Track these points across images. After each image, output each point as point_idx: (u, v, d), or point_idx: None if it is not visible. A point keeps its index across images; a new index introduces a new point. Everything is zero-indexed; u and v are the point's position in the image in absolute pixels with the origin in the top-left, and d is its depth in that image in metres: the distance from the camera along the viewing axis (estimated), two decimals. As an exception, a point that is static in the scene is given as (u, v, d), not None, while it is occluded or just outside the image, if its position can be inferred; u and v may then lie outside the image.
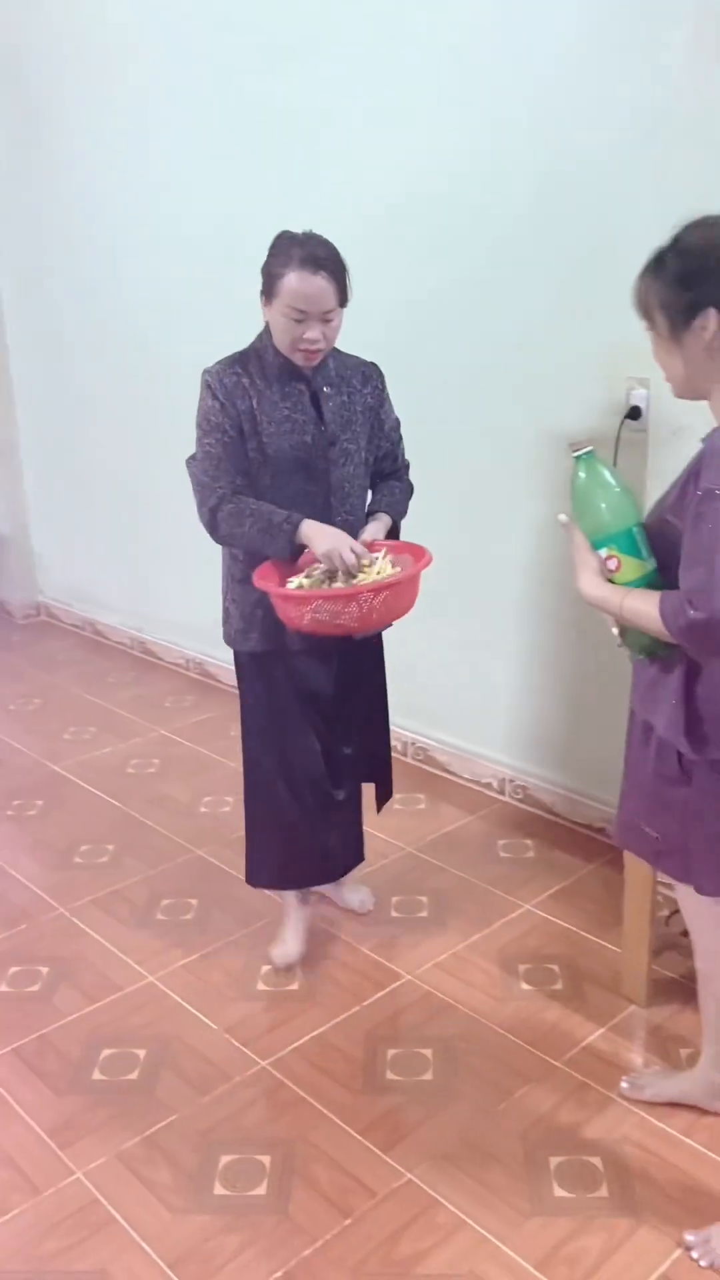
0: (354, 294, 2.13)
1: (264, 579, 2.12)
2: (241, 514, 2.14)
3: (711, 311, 1.47)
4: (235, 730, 3.79)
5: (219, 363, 2.22)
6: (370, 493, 2.38)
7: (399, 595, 2.05)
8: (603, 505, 1.59)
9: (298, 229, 2.13)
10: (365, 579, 2.08)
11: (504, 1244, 1.79)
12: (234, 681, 4.14)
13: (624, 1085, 2.11)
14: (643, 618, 1.52)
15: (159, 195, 3.86)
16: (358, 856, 2.64)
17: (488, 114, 2.77)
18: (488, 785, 3.28)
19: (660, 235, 1.54)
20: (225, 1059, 2.23)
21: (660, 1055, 2.21)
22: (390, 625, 2.18)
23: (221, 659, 4.19)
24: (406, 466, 2.46)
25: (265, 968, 2.52)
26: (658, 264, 1.51)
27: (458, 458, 3.04)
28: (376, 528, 2.28)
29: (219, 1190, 1.92)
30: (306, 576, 2.14)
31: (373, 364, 2.34)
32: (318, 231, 2.13)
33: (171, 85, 3.67)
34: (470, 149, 2.83)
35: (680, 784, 1.61)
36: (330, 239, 2.12)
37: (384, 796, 2.60)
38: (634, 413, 2.58)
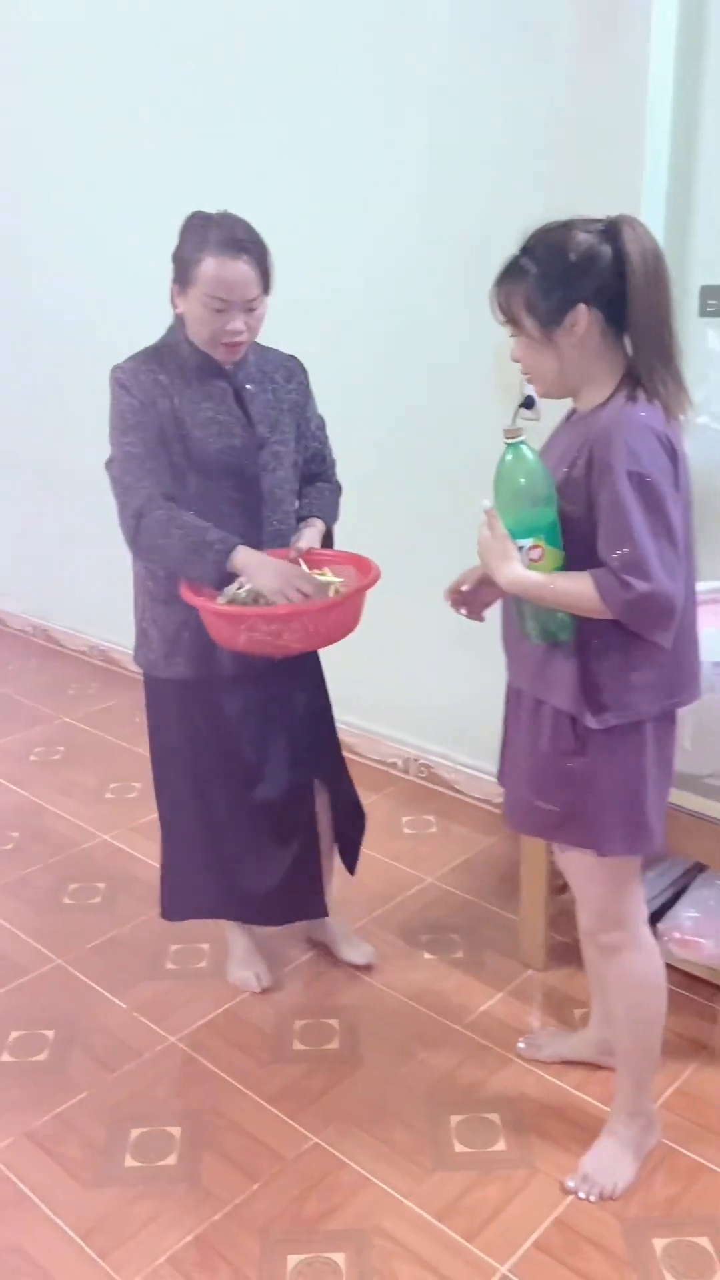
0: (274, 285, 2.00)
1: (194, 593, 1.96)
2: (169, 524, 1.95)
3: (581, 307, 1.54)
4: (140, 716, 3.81)
5: (130, 359, 2.04)
6: (299, 495, 2.23)
7: (345, 613, 1.95)
8: (533, 495, 1.60)
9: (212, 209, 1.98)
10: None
11: (407, 1199, 1.87)
12: (138, 669, 4.14)
13: (521, 1046, 2.20)
14: (575, 597, 1.57)
15: (59, 177, 3.83)
16: (315, 909, 2.33)
17: (379, 116, 2.82)
18: (392, 765, 3.36)
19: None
20: (135, 1036, 2.27)
21: (556, 1016, 2.31)
22: (334, 643, 2.02)
23: (126, 646, 4.18)
24: (334, 465, 2.32)
25: (175, 947, 2.55)
26: (516, 270, 1.58)
27: (363, 452, 3.09)
28: (312, 535, 2.15)
29: (130, 1162, 1.95)
30: (239, 588, 1.96)
31: (294, 358, 2.19)
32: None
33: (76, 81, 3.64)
34: (361, 151, 2.89)
35: (577, 754, 1.68)
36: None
37: (358, 825, 2.42)
38: (528, 402, 2.67)
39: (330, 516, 2.25)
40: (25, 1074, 2.17)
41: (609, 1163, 1.89)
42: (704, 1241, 1.77)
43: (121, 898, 2.76)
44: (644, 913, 1.84)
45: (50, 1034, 2.28)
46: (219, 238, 1.90)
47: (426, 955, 2.51)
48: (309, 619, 1.88)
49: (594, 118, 2.40)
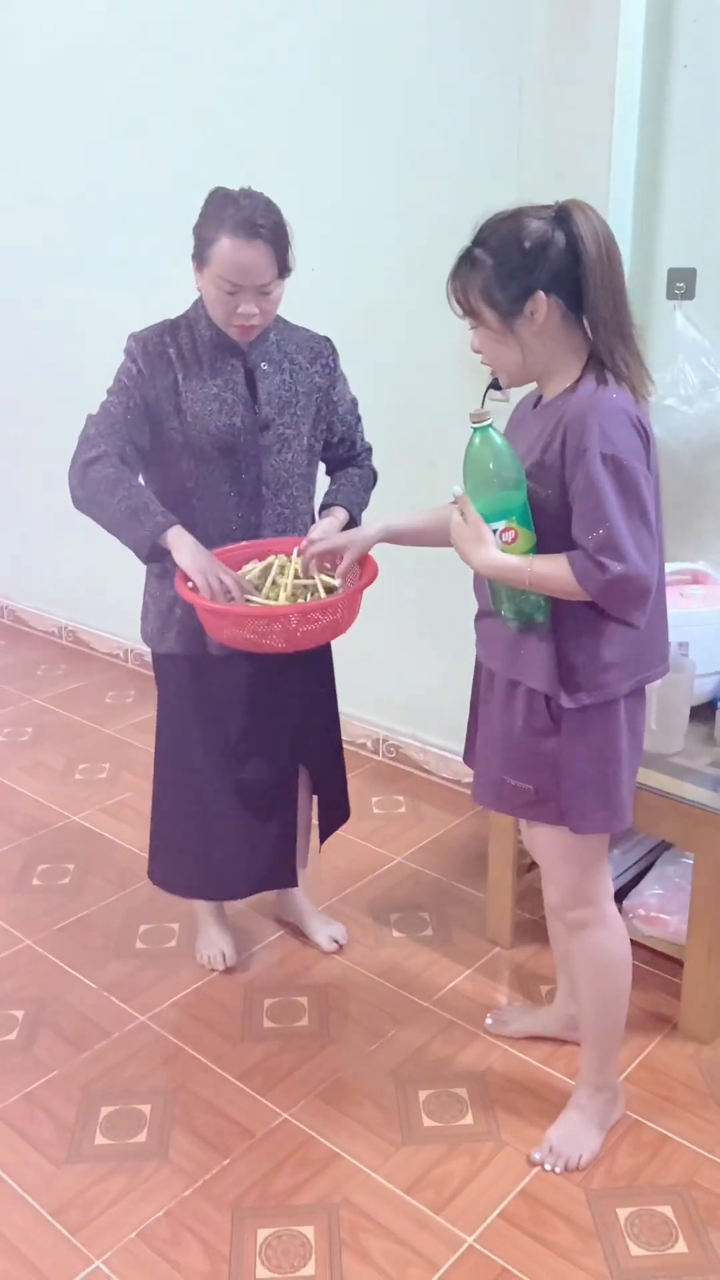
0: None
1: (185, 582, 1.92)
2: (117, 484, 1.93)
3: (539, 295, 1.55)
4: (109, 697, 3.82)
5: (148, 328, 2.02)
6: (330, 481, 2.21)
7: (334, 614, 1.86)
8: (503, 478, 1.60)
9: (235, 186, 1.93)
10: (281, 593, 1.91)
11: (376, 1173, 1.89)
12: (108, 650, 4.12)
13: (489, 1022, 2.23)
14: (553, 580, 1.58)
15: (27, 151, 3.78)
16: (284, 878, 2.33)
17: (350, 99, 2.81)
18: (361, 745, 3.38)
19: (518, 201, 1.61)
20: (104, 1016, 2.27)
21: (522, 992, 2.34)
22: (325, 644, 1.98)
23: (95, 627, 4.17)
24: (368, 451, 2.27)
25: (144, 927, 2.56)
26: (471, 262, 1.58)
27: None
28: (328, 524, 2.08)
29: (100, 1140, 1.96)
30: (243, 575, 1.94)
31: (325, 339, 2.14)
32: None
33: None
34: (327, 133, 2.88)
35: (551, 734, 1.70)
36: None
37: (335, 820, 2.41)
38: (496, 383, 2.67)
39: (355, 504, 2.18)
40: (-6, 1054, 2.18)
41: (574, 1135, 1.92)
42: (667, 1210, 1.81)
43: (90, 878, 2.76)
44: (610, 890, 1.86)
45: (19, 1014, 2.28)
46: (236, 219, 1.85)
47: (395, 933, 2.53)
48: (291, 620, 1.83)
49: (562, 100, 2.40)
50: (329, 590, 1.96)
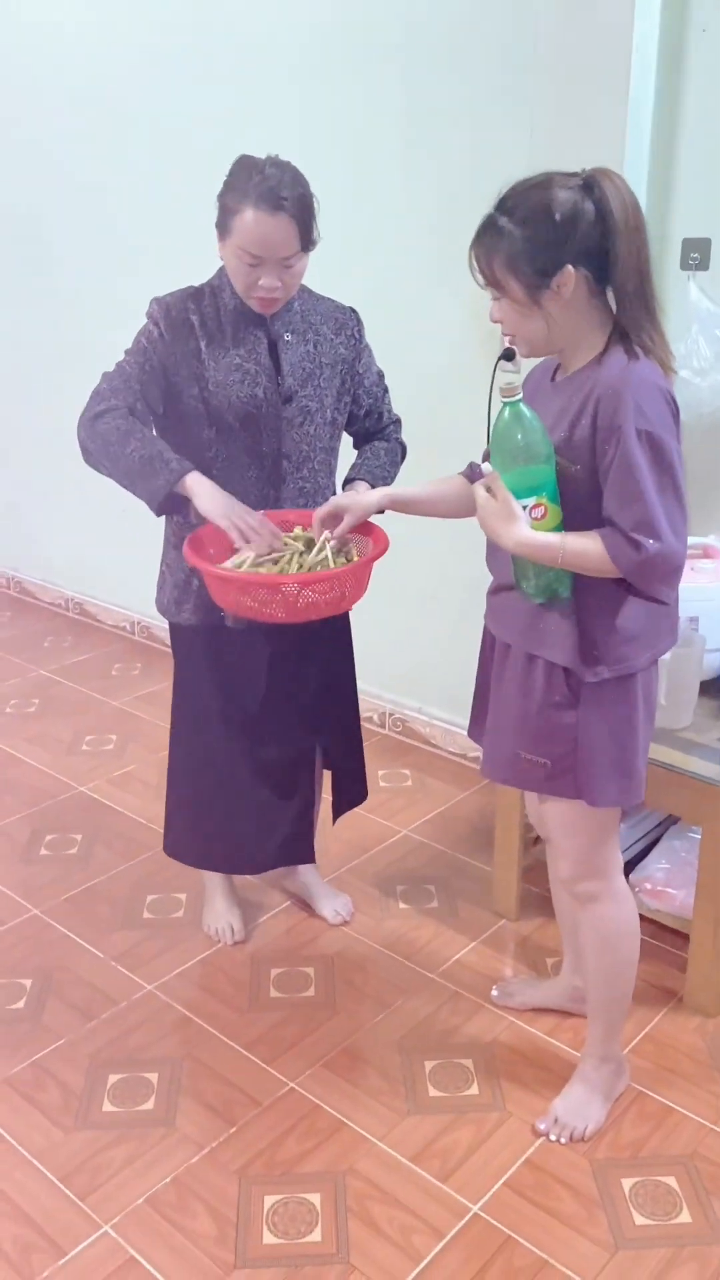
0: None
1: (195, 551, 1.88)
2: (129, 435, 1.89)
3: (568, 269, 1.51)
4: (116, 669, 3.82)
5: (172, 294, 1.98)
6: (333, 456, 2.15)
7: (337, 587, 1.82)
8: (533, 453, 1.57)
9: (262, 153, 1.87)
10: (290, 561, 1.88)
11: (381, 1141, 1.90)
12: (115, 622, 4.12)
13: (494, 993, 2.24)
14: (586, 558, 1.56)
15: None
16: (302, 854, 2.34)
17: (357, 60, 2.77)
18: (368, 719, 3.37)
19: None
20: (112, 985, 2.28)
21: (528, 965, 2.35)
22: (329, 617, 1.90)
23: (101, 599, 4.17)
24: (397, 423, 2.23)
25: (152, 897, 2.57)
26: (496, 232, 1.53)
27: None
28: (338, 497, 1.98)
29: (108, 1107, 1.98)
30: (243, 559, 1.89)
31: (350, 309, 2.11)
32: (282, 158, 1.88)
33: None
34: (338, 97, 2.84)
35: (569, 707, 1.69)
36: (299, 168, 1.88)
37: (353, 799, 2.40)
38: (508, 354, 2.64)
39: (380, 478, 2.13)
40: (3, 1022, 2.18)
41: (579, 1106, 1.93)
42: (671, 1181, 1.82)
43: (98, 849, 2.77)
44: (620, 862, 1.86)
45: (27, 983, 2.29)
46: (260, 189, 1.80)
47: (401, 905, 2.54)
48: (287, 589, 1.78)
49: (576, 65, 2.36)
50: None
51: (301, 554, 1.92)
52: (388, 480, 2.16)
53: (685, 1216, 1.76)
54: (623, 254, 1.51)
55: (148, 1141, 1.91)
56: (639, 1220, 1.75)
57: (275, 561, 1.90)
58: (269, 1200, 1.79)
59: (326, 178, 2.91)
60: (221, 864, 2.36)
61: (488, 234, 1.55)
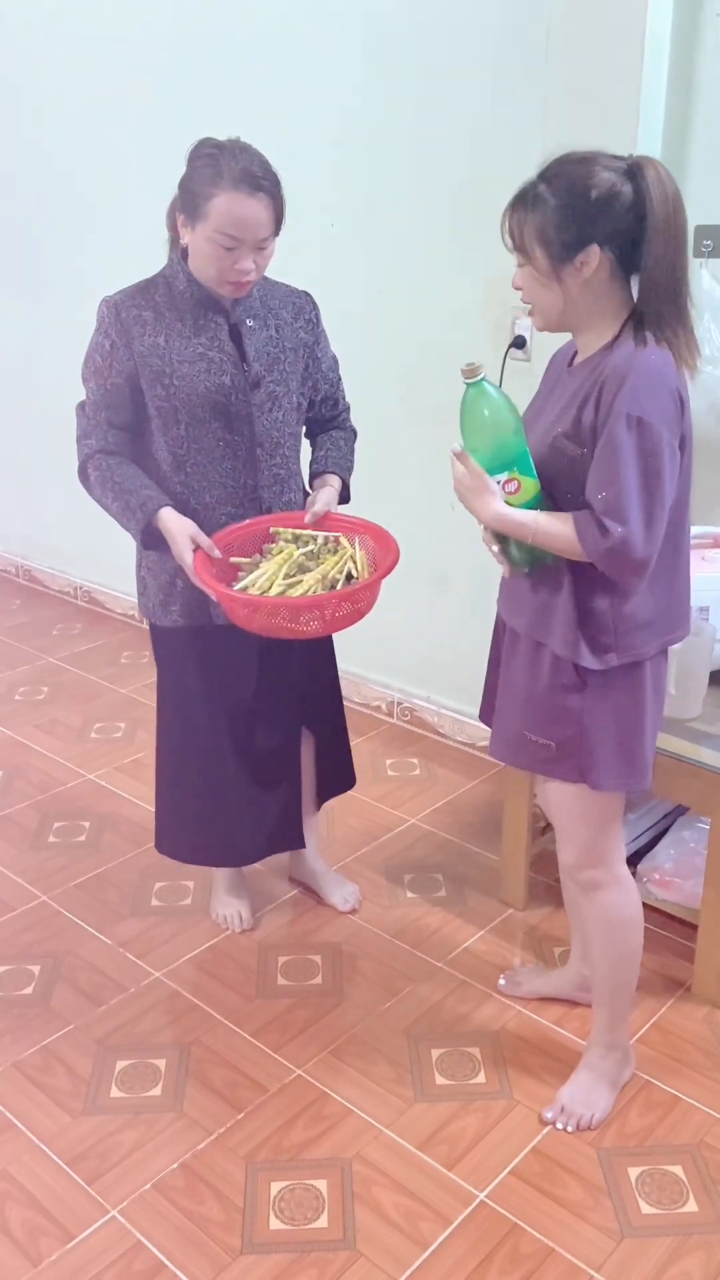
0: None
1: (204, 571, 1.88)
2: (105, 482, 1.95)
3: (594, 248, 1.51)
4: (124, 657, 3.82)
5: (120, 292, 1.95)
6: (311, 444, 2.18)
7: (365, 599, 1.87)
8: (500, 428, 1.59)
9: (221, 136, 1.86)
10: (323, 568, 1.90)
11: (388, 1128, 1.91)
12: (123, 610, 4.12)
13: (501, 982, 2.24)
14: (557, 539, 1.57)
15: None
16: (292, 840, 2.37)
17: (364, 40, 2.75)
18: (376, 708, 3.37)
19: (542, 160, 1.57)
20: (120, 971, 2.29)
21: (535, 954, 2.35)
22: (352, 625, 1.94)
23: (110, 587, 4.17)
24: (348, 409, 2.24)
25: (160, 884, 2.57)
26: (533, 199, 1.53)
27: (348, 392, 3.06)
28: (328, 496, 2.05)
29: (115, 1093, 1.98)
30: (263, 554, 1.95)
31: (305, 294, 2.10)
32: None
33: None
34: (348, 82, 2.82)
35: (576, 690, 1.69)
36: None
37: (339, 785, 2.43)
38: (519, 342, 2.64)
39: (346, 469, 2.16)
40: (12, 1007, 2.19)
41: (586, 1094, 1.93)
42: (677, 1170, 1.82)
43: (106, 836, 2.78)
44: (623, 851, 1.86)
45: (36, 969, 2.30)
46: (235, 172, 1.79)
47: (409, 894, 2.54)
48: (328, 608, 1.82)
49: (590, 53, 2.34)
50: (349, 578, 1.93)
51: (317, 558, 1.96)
52: (351, 468, 2.19)
53: (692, 1205, 1.76)
54: (655, 245, 1.50)
55: (155, 1127, 1.91)
56: (645, 1209, 1.75)
57: (300, 568, 1.92)
58: (276, 1186, 1.80)
59: (337, 161, 2.91)
60: (214, 858, 2.36)
61: (524, 200, 1.55)
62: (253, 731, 2.21)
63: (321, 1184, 1.80)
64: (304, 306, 2.09)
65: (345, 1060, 2.06)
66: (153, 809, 2.84)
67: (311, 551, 1.97)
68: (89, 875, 2.62)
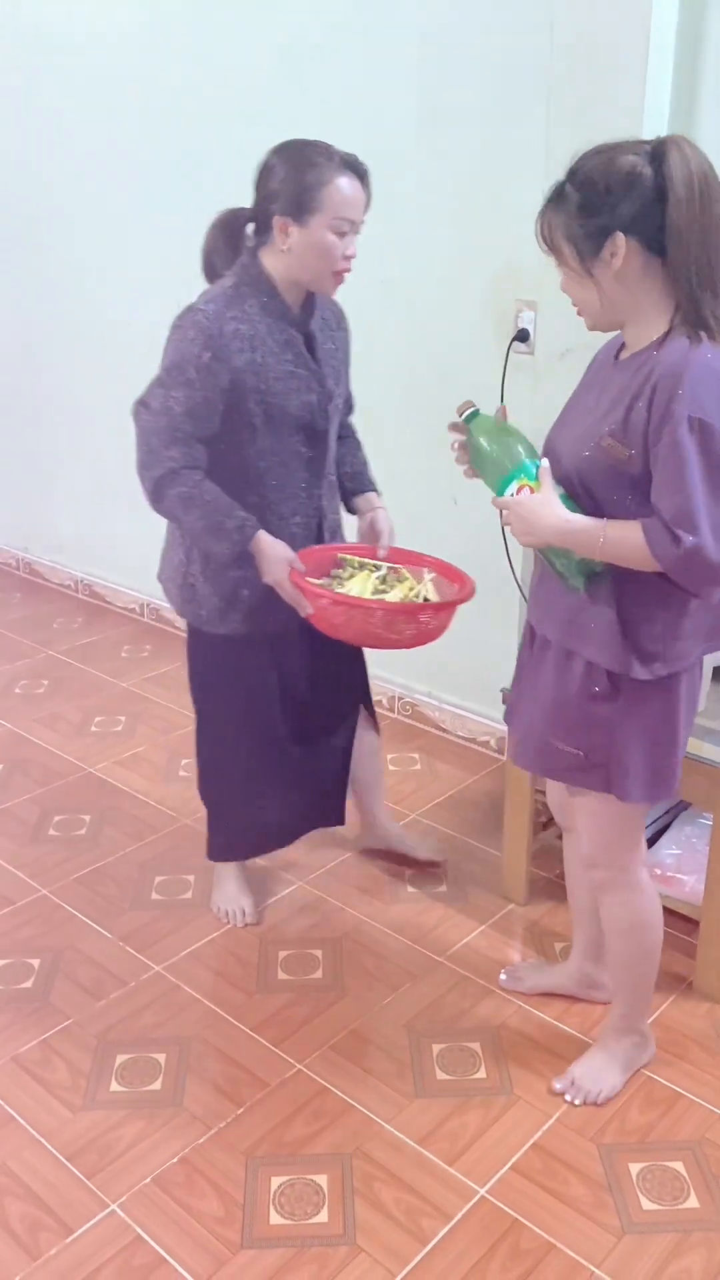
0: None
1: (300, 580, 1.94)
2: (190, 501, 1.91)
3: (618, 236, 1.46)
4: (125, 651, 3.81)
5: (214, 302, 1.87)
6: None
7: (449, 616, 1.95)
8: (512, 452, 1.62)
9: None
10: (400, 589, 1.99)
11: (389, 1124, 1.90)
12: (124, 604, 4.10)
13: (502, 978, 2.23)
14: (626, 547, 1.50)
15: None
16: (336, 817, 2.42)
17: (369, 43, 2.74)
18: (378, 703, 3.36)
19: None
20: (120, 965, 2.29)
21: (536, 949, 2.34)
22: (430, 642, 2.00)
23: (111, 581, 4.16)
24: (352, 409, 2.27)
25: (160, 878, 2.57)
26: (558, 197, 1.50)
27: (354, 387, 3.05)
28: (386, 523, 2.14)
29: (115, 1087, 1.98)
30: (333, 578, 2.02)
31: (337, 303, 2.11)
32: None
33: None
34: (351, 76, 2.81)
35: (608, 699, 1.65)
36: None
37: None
38: (522, 335, 2.63)
39: (373, 482, 2.24)
40: (11, 1001, 2.19)
41: (596, 1071, 1.94)
42: (678, 1166, 1.82)
43: (106, 829, 2.77)
44: (644, 855, 1.84)
45: (35, 962, 2.29)
46: (340, 159, 1.84)
47: (410, 889, 2.53)
48: (424, 615, 1.90)
49: (595, 46, 2.33)
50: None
51: (387, 583, 2.05)
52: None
53: (693, 1201, 1.75)
54: (679, 226, 1.43)
55: (155, 1121, 1.91)
56: (646, 1205, 1.75)
57: (376, 590, 2.01)
58: (276, 1181, 1.79)
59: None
60: (266, 849, 2.43)
61: (551, 199, 1.52)
62: (314, 720, 2.27)
63: (322, 1179, 1.80)
64: (341, 314, 2.11)
65: (346, 1055, 2.05)
66: (153, 803, 2.86)
67: (383, 576, 2.05)
68: (89, 869, 2.61)
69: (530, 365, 2.63)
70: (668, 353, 1.48)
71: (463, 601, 1.97)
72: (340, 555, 2.08)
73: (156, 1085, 1.98)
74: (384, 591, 2.01)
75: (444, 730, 3.22)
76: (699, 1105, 1.94)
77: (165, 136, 3.35)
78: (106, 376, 3.78)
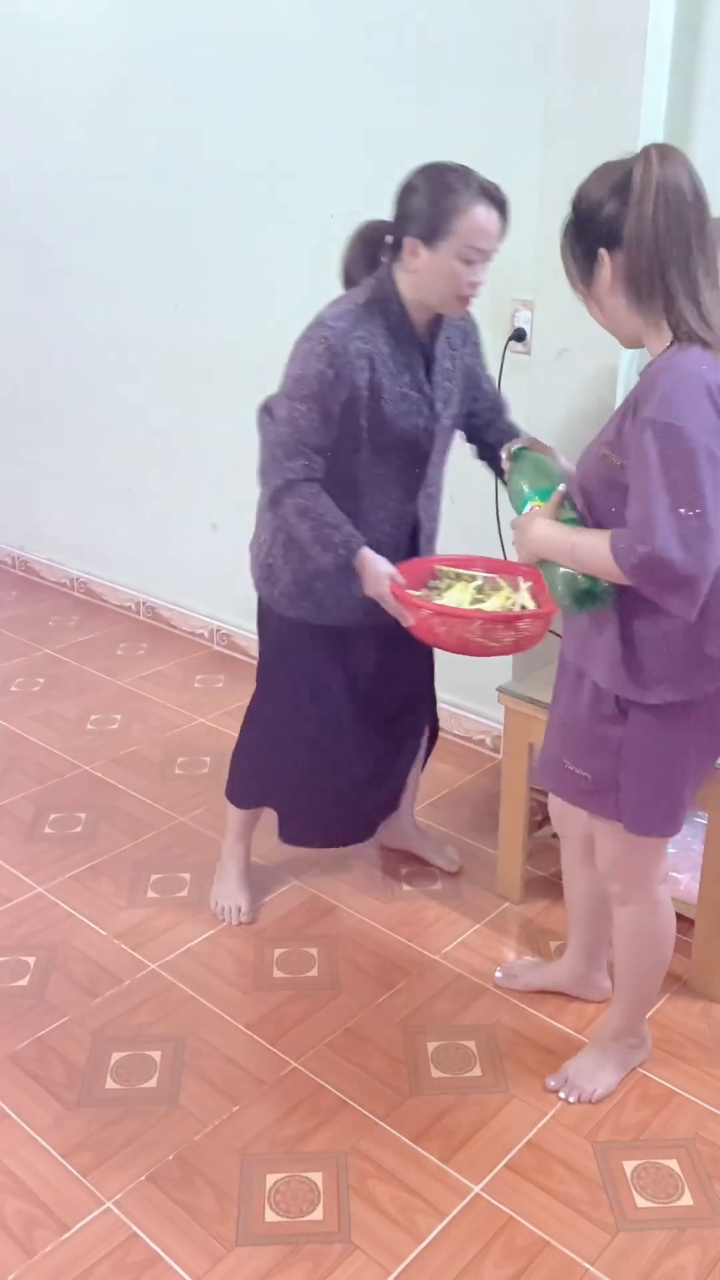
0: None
1: (400, 591, 1.95)
2: (304, 512, 1.95)
3: (601, 253, 1.47)
4: (121, 649, 3.81)
5: (343, 319, 1.90)
6: (483, 435, 2.19)
7: (545, 625, 1.93)
8: (535, 482, 1.70)
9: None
10: (497, 599, 1.99)
11: (384, 1121, 1.90)
12: (120, 602, 4.10)
13: (498, 976, 2.24)
14: (594, 556, 1.48)
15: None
16: (397, 803, 2.49)
17: (368, 41, 2.74)
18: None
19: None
20: (116, 963, 2.29)
21: (532, 947, 2.35)
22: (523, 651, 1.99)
23: (107, 579, 4.16)
24: (507, 403, 2.25)
25: (155, 876, 2.57)
26: (564, 223, 1.52)
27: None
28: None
29: (111, 1085, 1.98)
30: (431, 589, 2.03)
31: (470, 316, 2.09)
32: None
33: None
34: (348, 75, 2.81)
35: (616, 723, 1.63)
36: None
37: (429, 747, 2.54)
38: (518, 335, 2.63)
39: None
40: (7, 999, 2.19)
41: (591, 1069, 1.94)
42: (673, 1164, 1.82)
43: (102, 828, 2.77)
44: (663, 873, 1.82)
45: (31, 960, 2.29)
46: (478, 187, 1.83)
47: (405, 887, 2.54)
48: (536, 624, 1.88)
49: (592, 41, 2.33)
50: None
51: (484, 592, 2.04)
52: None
53: (687, 1199, 1.76)
54: (641, 237, 1.41)
55: (151, 1119, 1.91)
56: (640, 1202, 1.75)
57: (474, 600, 2.01)
58: (271, 1179, 1.79)
59: (336, 153, 2.89)
60: (342, 841, 2.45)
61: (562, 229, 1.53)
62: (377, 719, 2.28)
63: (317, 1177, 1.80)
64: (470, 331, 2.11)
65: (341, 1053, 2.05)
66: (148, 801, 2.86)
67: (479, 586, 2.05)
68: (84, 867, 2.61)
69: (525, 365, 2.63)
70: (658, 360, 1.48)
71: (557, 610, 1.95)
72: (437, 567, 2.10)
73: (152, 1083, 1.98)
74: (481, 601, 2.01)
75: (440, 729, 3.22)
76: (693, 1103, 1.94)
77: (165, 136, 3.35)
78: (102, 375, 3.78)
